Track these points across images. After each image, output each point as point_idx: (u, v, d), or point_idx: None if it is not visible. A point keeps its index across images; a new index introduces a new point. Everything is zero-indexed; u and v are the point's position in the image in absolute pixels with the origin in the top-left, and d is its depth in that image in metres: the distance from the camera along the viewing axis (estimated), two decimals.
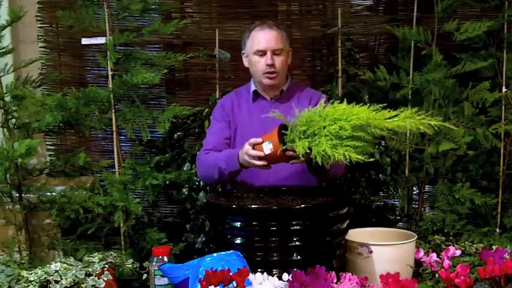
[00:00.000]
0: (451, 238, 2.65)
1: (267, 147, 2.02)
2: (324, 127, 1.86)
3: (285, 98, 2.38)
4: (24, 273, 1.96)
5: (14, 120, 2.71)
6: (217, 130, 2.40)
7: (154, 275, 1.96)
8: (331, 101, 2.01)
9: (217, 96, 3.07)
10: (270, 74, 2.30)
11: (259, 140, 2.04)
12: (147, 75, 2.63)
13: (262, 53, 2.30)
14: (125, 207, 2.63)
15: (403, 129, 1.93)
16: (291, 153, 1.96)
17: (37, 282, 1.90)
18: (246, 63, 2.40)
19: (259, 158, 2.04)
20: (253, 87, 2.40)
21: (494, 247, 1.99)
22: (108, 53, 2.68)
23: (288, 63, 2.39)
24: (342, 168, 2.26)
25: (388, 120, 1.90)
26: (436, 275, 1.94)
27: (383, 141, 3.04)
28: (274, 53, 2.29)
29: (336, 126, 1.83)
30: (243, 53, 2.40)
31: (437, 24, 2.93)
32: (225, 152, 2.27)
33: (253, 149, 2.06)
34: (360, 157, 1.80)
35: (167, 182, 2.80)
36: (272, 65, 2.29)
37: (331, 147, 1.82)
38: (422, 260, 2.03)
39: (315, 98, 2.38)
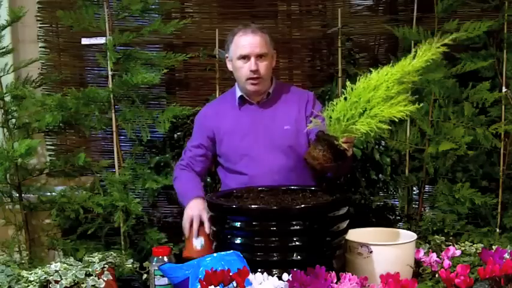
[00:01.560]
0: (451, 238, 2.65)
1: (198, 243, 2.10)
2: (368, 100, 1.85)
3: (272, 100, 2.35)
4: (24, 273, 1.96)
5: (14, 120, 2.71)
6: (194, 145, 2.40)
7: (154, 275, 1.96)
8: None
9: (217, 96, 3.07)
10: (254, 79, 2.26)
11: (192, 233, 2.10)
12: (147, 75, 2.63)
13: (245, 58, 2.26)
14: (125, 207, 2.63)
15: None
16: (346, 142, 1.88)
17: (37, 282, 1.90)
18: (230, 67, 2.36)
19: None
20: (238, 93, 2.36)
21: (494, 247, 1.99)
22: (108, 53, 2.69)
23: (273, 66, 2.36)
24: (347, 167, 2.24)
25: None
26: (436, 275, 1.94)
27: (383, 141, 3.05)
28: (258, 57, 2.26)
29: (381, 91, 1.84)
30: (227, 57, 2.36)
31: (437, 24, 2.93)
32: (183, 188, 2.30)
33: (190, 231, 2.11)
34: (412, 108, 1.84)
35: (167, 183, 2.80)
36: (256, 71, 2.25)
37: (388, 107, 1.82)
38: (422, 260, 2.03)
39: (304, 98, 2.36)
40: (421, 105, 2.94)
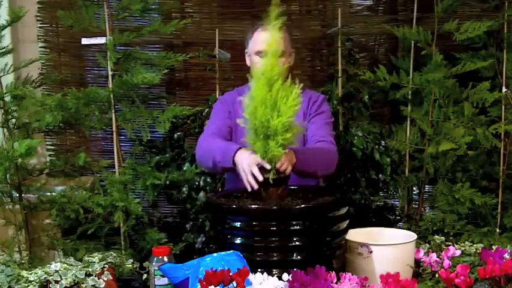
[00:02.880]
0: (451, 238, 2.66)
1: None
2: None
3: None
4: (24, 273, 1.95)
5: (14, 120, 2.70)
6: (219, 118, 2.37)
7: (154, 275, 1.96)
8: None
9: (217, 96, 3.07)
10: None
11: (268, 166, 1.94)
12: (147, 75, 2.62)
13: (263, 54, 2.29)
14: (125, 207, 2.63)
15: None
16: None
17: (37, 282, 1.90)
18: (248, 62, 2.40)
19: (255, 180, 1.95)
20: (250, 87, 2.38)
21: (494, 247, 1.99)
22: (108, 53, 2.68)
23: (291, 65, 2.37)
24: (323, 161, 2.21)
25: None
26: (436, 275, 1.94)
27: (383, 141, 3.05)
28: None
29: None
30: (246, 52, 2.40)
31: (437, 24, 2.94)
32: (223, 144, 2.19)
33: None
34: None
35: (167, 182, 2.80)
36: None
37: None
38: (422, 260, 2.03)
39: (312, 99, 2.37)
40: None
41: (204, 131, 2.42)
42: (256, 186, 1.94)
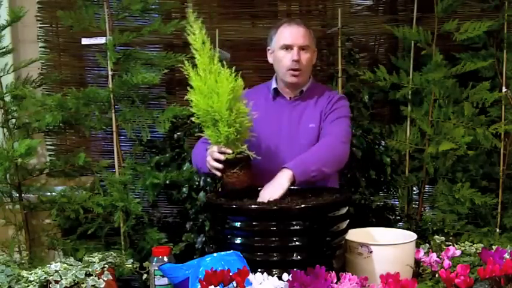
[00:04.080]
0: (451, 238, 2.66)
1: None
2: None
3: (304, 98, 2.36)
4: (24, 273, 1.96)
5: (14, 120, 2.71)
6: None
7: (154, 275, 1.96)
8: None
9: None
10: (295, 70, 2.28)
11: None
12: (147, 75, 2.63)
13: (288, 48, 2.28)
14: (125, 207, 2.63)
15: None
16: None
17: (37, 282, 1.90)
18: (270, 59, 2.38)
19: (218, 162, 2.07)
20: (274, 85, 2.38)
21: (494, 247, 1.99)
22: (108, 53, 2.68)
23: (313, 63, 2.39)
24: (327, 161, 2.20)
25: None
26: (436, 275, 1.94)
27: (383, 141, 3.05)
28: (301, 49, 2.28)
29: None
30: (268, 49, 2.38)
31: (437, 24, 2.94)
32: (203, 150, 2.22)
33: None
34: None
35: (167, 182, 2.80)
36: (298, 61, 2.27)
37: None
38: (422, 260, 2.03)
39: (329, 98, 2.37)
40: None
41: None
42: (220, 165, 2.04)
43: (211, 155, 2.07)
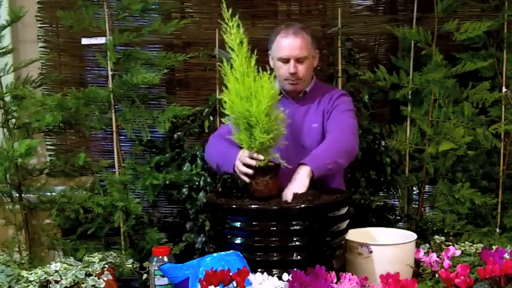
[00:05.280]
0: (451, 238, 2.66)
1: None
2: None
3: (308, 98, 2.37)
4: (24, 273, 1.96)
5: (14, 120, 2.70)
6: None
7: (154, 275, 1.96)
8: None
9: (217, 96, 3.07)
10: (292, 81, 2.30)
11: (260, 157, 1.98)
12: (147, 75, 2.63)
13: (285, 61, 2.28)
14: (125, 207, 2.63)
15: None
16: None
17: (37, 282, 1.90)
18: (271, 64, 2.37)
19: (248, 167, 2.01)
20: (277, 85, 2.37)
21: (494, 247, 1.99)
22: (108, 53, 2.68)
23: (314, 66, 2.38)
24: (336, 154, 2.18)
25: None
26: (436, 275, 1.94)
27: (383, 141, 3.05)
28: (298, 61, 2.27)
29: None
30: (269, 54, 2.38)
31: (437, 24, 2.94)
32: (225, 148, 2.20)
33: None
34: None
35: (167, 182, 2.80)
36: (294, 74, 2.27)
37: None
38: (422, 260, 2.03)
39: (331, 96, 2.37)
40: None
41: (219, 128, 2.41)
42: (250, 171, 1.98)
43: (242, 160, 2.02)
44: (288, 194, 1.98)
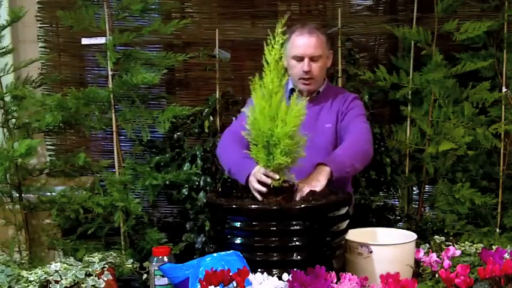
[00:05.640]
0: (451, 238, 2.66)
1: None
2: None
3: (320, 99, 2.38)
4: (24, 273, 1.96)
5: (14, 120, 2.70)
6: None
7: (154, 275, 1.96)
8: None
9: (217, 96, 3.07)
10: (306, 80, 2.30)
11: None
12: (147, 75, 2.63)
13: (299, 59, 2.29)
14: (125, 207, 2.63)
15: None
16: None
17: (37, 282, 1.90)
18: (285, 63, 2.33)
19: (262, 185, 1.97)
20: (291, 85, 2.38)
21: (494, 247, 1.99)
22: (108, 53, 2.68)
23: (328, 66, 2.39)
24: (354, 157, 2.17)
25: None
26: (436, 275, 1.94)
27: (383, 141, 3.05)
28: (312, 59, 2.28)
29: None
30: (282, 53, 2.37)
31: (437, 24, 2.94)
32: (240, 157, 2.13)
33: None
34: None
35: (167, 182, 2.80)
36: (308, 72, 2.28)
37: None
38: (422, 260, 2.03)
39: (345, 98, 2.38)
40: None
41: (234, 121, 2.40)
42: (264, 189, 1.94)
43: (257, 177, 1.97)
44: (304, 189, 1.96)
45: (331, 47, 2.41)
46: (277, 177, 1.91)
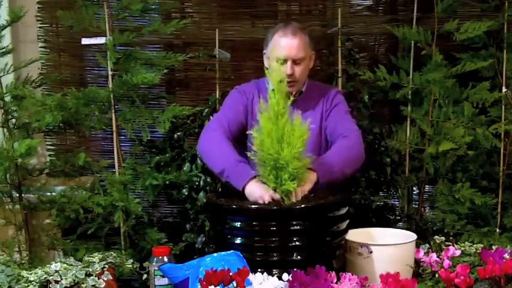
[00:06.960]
0: (451, 238, 2.66)
1: None
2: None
3: (304, 99, 2.36)
4: (24, 273, 1.96)
5: (14, 120, 2.70)
6: (233, 110, 2.32)
7: (155, 275, 1.96)
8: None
9: (217, 97, 3.07)
10: (288, 83, 2.24)
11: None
12: (147, 75, 2.62)
13: (282, 61, 2.23)
14: (125, 207, 2.63)
15: None
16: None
17: (37, 282, 1.90)
18: (266, 63, 2.34)
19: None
20: (271, 86, 2.37)
21: (494, 247, 1.99)
22: (108, 53, 2.68)
23: (310, 67, 2.37)
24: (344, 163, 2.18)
25: None
26: (436, 275, 1.95)
27: (383, 141, 3.05)
28: (295, 62, 2.26)
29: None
30: (264, 53, 2.34)
31: (437, 24, 2.94)
32: (235, 159, 2.12)
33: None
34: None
35: (167, 182, 2.80)
36: (291, 75, 2.25)
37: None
38: (422, 260, 2.03)
39: (327, 95, 2.36)
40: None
41: (213, 117, 2.38)
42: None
43: (265, 199, 1.94)
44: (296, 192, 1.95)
45: (315, 46, 2.37)
46: (278, 197, 1.92)
